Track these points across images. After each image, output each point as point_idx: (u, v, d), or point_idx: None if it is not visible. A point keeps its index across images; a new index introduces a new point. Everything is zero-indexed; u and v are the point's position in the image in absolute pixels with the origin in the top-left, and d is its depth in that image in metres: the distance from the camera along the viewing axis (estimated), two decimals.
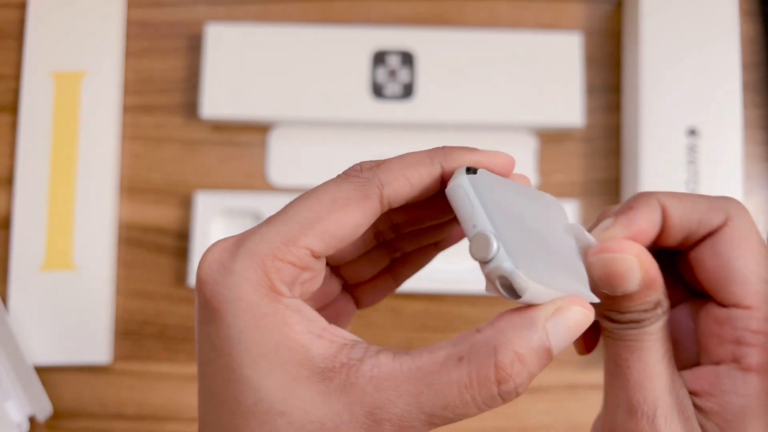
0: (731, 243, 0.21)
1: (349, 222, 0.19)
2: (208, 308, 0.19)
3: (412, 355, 0.18)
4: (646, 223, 0.21)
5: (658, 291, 0.20)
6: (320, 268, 0.20)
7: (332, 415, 0.17)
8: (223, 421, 0.18)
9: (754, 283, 0.21)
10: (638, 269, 0.19)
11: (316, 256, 0.19)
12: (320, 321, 0.19)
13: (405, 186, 0.20)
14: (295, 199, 0.20)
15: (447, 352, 0.18)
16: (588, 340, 0.24)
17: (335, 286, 0.25)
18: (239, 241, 0.19)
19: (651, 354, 0.20)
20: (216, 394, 0.19)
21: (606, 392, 0.22)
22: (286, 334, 0.18)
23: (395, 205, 0.20)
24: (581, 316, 0.18)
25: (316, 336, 0.18)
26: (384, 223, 0.23)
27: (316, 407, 0.18)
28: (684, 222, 0.21)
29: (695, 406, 0.21)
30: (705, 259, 0.21)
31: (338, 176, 0.20)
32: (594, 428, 0.23)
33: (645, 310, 0.20)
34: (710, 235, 0.21)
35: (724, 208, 0.21)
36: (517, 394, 0.18)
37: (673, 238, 0.22)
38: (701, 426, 0.20)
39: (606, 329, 0.21)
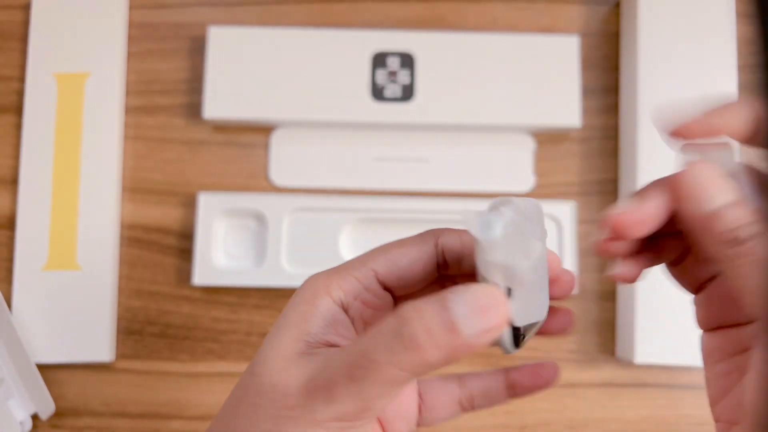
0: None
1: (409, 254, 0.25)
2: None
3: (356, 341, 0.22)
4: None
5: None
6: (382, 296, 0.25)
7: (290, 371, 0.22)
8: (247, 369, 0.24)
9: None
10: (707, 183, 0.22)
11: (380, 280, 0.24)
12: (345, 326, 0.24)
13: (456, 240, 0.25)
14: None
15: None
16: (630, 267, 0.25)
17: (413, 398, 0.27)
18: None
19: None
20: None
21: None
22: (305, 317, 0.23)
23: (448, 253, 0.25)
24: (484, 291, 0.19)
25: (326, 325, 0.23)
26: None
27: (281, 364, 0.22)
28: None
29: None
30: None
31: None
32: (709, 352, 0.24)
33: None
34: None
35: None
36: (430, 366, 0.20)
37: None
38: None
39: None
